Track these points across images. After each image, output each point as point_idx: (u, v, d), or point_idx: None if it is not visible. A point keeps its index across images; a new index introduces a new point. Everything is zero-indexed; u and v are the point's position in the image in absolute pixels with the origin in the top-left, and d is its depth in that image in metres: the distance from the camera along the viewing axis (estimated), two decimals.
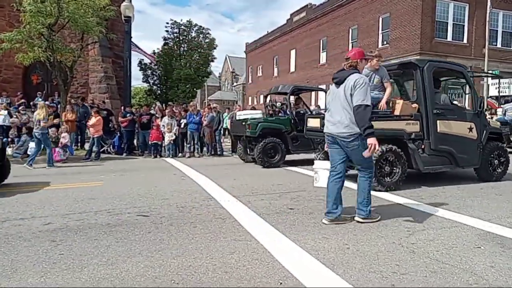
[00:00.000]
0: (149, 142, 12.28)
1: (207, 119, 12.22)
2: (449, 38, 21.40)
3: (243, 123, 9.79)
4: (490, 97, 19.38)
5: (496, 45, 22.03)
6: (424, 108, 6.43)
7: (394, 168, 6.22)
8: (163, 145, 12.28)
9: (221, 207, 5.06)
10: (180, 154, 12.36)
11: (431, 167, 6.53)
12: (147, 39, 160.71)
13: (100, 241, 3.64)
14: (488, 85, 19.87)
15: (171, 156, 11.99)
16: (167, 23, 32.36)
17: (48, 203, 5.33)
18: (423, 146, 6.46)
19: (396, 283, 2.73)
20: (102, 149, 12.98)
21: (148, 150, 12.47)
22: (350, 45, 26.58)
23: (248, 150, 10.31)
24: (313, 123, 7.20)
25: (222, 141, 13.54)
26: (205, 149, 12.79)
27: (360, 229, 4.01)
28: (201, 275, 2.88)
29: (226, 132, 14.96)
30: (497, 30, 22.35)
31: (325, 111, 5.45)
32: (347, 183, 6.74)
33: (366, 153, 3.97)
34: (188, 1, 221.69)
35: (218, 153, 12.60)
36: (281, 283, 2.74)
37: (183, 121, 12.31)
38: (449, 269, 2.98)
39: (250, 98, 46.78)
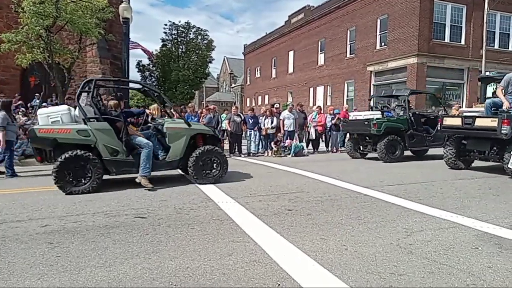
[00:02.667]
0: None
1: (205, 120, 12.22)
2: (447, 40, 21.47)
3: (366, 123, 10.87)
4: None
5: (493, 46, 22.11)
6: None
7: None
8: None
9: (219, 208, 5.06)
10: None
11: None
12: (146, 40, 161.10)
13: (97, 243, 3.63)
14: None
15: None
16: (165, 24, 32.50)
17: (45, 205, 5.31)
18: None
19: (394, 284, 2.74)
20: None
21: None
22: (348, 46, 26.67)
23: (360, 147, 11.74)
24: (451, 121, 8.76)
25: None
26: None
27: (358, 230, 4.01)
28: (198, 276, 2.88)
29: (224, 134, 14.95)
30: (494, 32, 22.44)
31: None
32: (341, 183, 6.75)
33: None
34: (188, 2, 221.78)
35: None
36: (279, 285, 2.74)
37: None
38: (446, 269, 2.98)
39: (248, 99, 46.83)
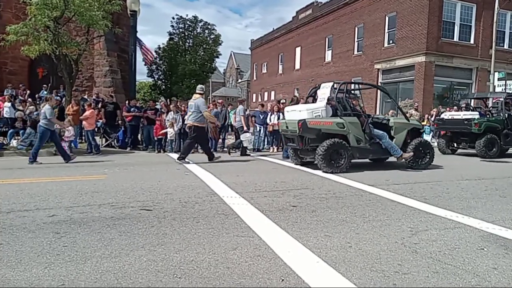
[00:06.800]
0: (154, 137, 12.30)
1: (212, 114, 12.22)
2: (456, 39, 21.25)
3: (466, 122, 11.82)
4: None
5: (503, 46, 21.86)
6: None
7: None
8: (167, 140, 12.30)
9: (224, 203, 5.08)
10: None
11: None
12: (153, 33, 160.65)
13: (103, 234, 3.67)
14: (494, 86, 19.74)
15: (173, 151, 12.01)
16: (173, 18, 32.40)
17: (52, 195, 5.36)
18: None
19: (398, 282, 2.73)
20: (106, 143, 13.05)
21: (152, 145, 12.51)
22: (356, 43, 26.49)
23: (454, 144, 12.78)
24: None
25: (226, 137, 13.53)
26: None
27: (363, 228, 4.01)
28: (203, 270, 2.89)
29: (230, 129, 14.94)
30: (504, 31, 22.17)
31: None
32: (346, 181, 6.73)
33: None
34: None
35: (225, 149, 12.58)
36: (282, 280, 2.74)
37: (186, 117, 12.32)
38: (451, 270, 2.97)
39: (254, 95, 46.74)
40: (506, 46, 22.20)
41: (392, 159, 9.83)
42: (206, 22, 32.92)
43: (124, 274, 2.79)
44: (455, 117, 12.80)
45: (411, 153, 8.41)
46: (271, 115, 13.00)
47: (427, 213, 4.68)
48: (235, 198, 5.37)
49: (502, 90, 19.94)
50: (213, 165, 9.06)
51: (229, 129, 14.91)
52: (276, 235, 3.75)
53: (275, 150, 13.02)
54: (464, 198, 5.66)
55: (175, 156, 10.99)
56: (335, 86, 8.56)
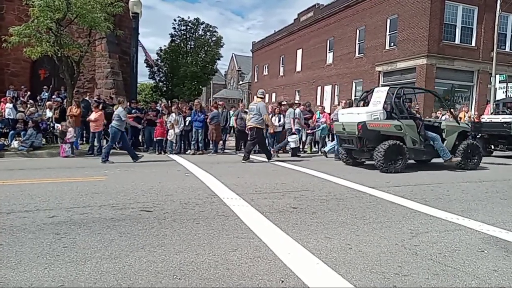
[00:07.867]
0: (155, 139, 12.32)
1: (209, 116, 12.24)
2: (457, 41, 21.23)
3: (505, 125, 12.43)
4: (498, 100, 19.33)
5: (504, 49, 21.82)
6: None
7: None
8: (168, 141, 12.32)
9: (224, 204, 5.08)
10: (189, 151, 12.40)
11: None
12: (155, 35, 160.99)
13: (103, 235, 3.67)
14: (495, 89, 19.71)
15: (174, 152, 12.02)
16: (175, 20, 32.56)
17: (52, 196, 5.37)
18: None
19: (398, 284, 2.73)
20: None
21: (153, 146, 12.52)
22: (357, 46, 26.49)
23: (491, 146, 13.36)
24: None
25: (226, 139, 13.50)
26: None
27: (363, 230, 4.00)
28: (203, 271, 2.89)
29: (231, 130, 14.95)
30: (505, 34, 22.13)
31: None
32: (348, 183, 6.72)
33: None
34: None
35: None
36: (282, 282, 2.74)
37: (188, 119, 12.35)
38: (451, 272, 2.97)
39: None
40: (507, 49, 22.15)
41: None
42: (208, 24, 33.10)
43: (124, 275, 2.79)
44: (494, 120, 13.26)
45: (459, 158, 8.82)
46: (272, 117, 12.97)
47: (428, 215, 4.67)
48: (235, 199, 5.37)
49: (504, 93, 19.91)
50: (214, 166, 9.07)
51: (231, 130, 14.92)
52: (276, 236, 3.75)
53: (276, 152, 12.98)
54: (465, 200, 5.65)
55: (176, 157, 11.02)
56: (391, 91, 8.94)
